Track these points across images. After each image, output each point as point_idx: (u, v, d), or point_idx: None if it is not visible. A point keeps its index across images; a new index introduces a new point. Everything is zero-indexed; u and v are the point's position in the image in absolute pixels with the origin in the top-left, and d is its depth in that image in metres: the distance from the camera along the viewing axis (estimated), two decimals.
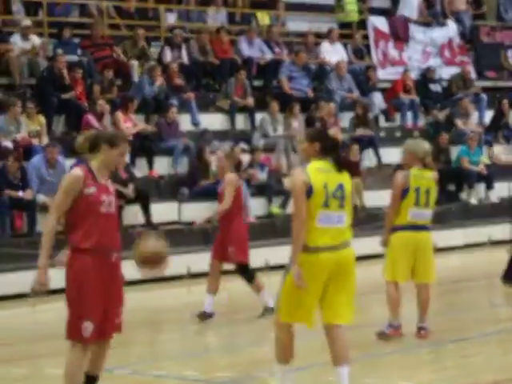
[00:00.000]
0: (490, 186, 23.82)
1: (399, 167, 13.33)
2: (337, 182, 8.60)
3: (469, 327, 13.44)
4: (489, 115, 26.38)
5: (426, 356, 11.25)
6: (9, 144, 19.03)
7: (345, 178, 8.69)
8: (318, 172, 8.56)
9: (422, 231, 12.17)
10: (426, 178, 12.22)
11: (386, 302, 12.06)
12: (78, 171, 8.34)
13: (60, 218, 8.34)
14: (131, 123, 20.88)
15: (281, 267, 17.75)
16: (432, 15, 29.09)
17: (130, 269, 8.69)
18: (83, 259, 8.31)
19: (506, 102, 26.28)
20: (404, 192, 12.04)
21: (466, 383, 9.68)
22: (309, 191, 8.48)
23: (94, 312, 8.34)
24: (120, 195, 18.95)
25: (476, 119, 25.89)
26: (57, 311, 16.44)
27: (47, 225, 8.35)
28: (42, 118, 19.99)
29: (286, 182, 20.01)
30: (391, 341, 11.65)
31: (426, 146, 12.50)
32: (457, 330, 12.98)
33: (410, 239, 11.99)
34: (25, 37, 21.77)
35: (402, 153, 12.69)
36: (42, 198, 18.39)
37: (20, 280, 17.22)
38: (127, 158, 19.91)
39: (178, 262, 18.55)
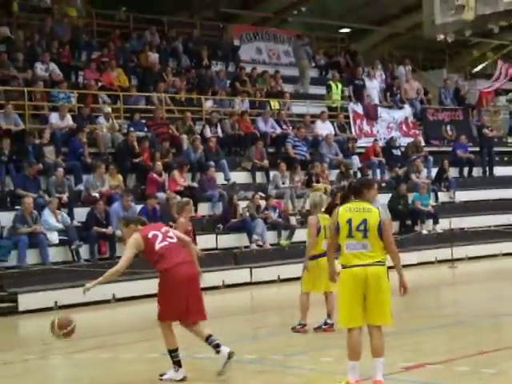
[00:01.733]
0: (435, 221, 23.77)
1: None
2: (361, 218, 8.29)
3: (421, 322, 13.37)
4: (434, 171, 26.30)
5: (390, 343, 11.18)
6: (96, 194, 19.08)
7: (370, 215, 8.31)
8: (345, 211, 8.36)
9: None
10: (326, 218, 12.21)
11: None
12: None
13: None
14: (183, 179, 20.92)
15: (288, 280, 17.75)
16: (393, 101, 29.11)
17: None
18: None
19: (446, 161, 26.20)
20: (319, 230, 12.10)
21: (420, 362, 9.60)
22: (337, 227, 8.36)
23: None
24: None
25: (425, 174, 25.82)
26: (131, 313, 16.50)
27: None
28: (119, 176, 20.04)
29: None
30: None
31: (319, 197, 12.68)
32: (413, 324, 12.92)
33: (323, 262, 11.60)
34: (107, 119, 21.89)
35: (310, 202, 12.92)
36: (119, 232, 18.38)
37: (103, 290, 17.18)
38: None
39: (215, 277, 18.58)
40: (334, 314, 12.19)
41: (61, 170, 19.08)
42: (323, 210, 12.41)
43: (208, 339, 9.46)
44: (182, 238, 9.76)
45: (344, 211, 8.38)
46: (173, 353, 9.48)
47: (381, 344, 8.32)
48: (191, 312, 9.43)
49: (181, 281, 9.33)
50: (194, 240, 14.36)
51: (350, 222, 8.29)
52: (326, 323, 12.31)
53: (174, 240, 9.53)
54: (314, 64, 30.22)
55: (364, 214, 8.32)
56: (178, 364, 9.47)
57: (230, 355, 9.33)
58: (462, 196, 25.98)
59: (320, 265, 12.01)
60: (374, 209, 8.42)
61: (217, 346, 9.40)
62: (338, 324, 8.57)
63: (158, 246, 9.43)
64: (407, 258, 21.21)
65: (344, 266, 8.36)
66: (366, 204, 8.43)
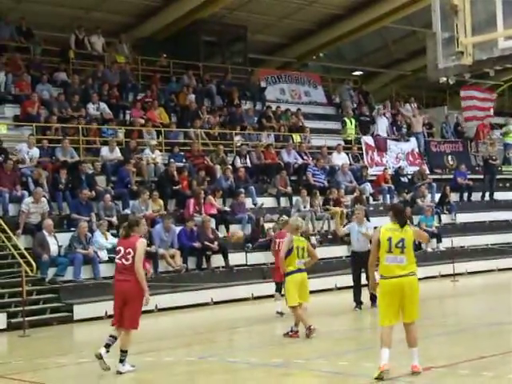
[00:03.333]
0: (439, 240, 23.60)
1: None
2: (400, 237, 8.96)
3: (428, 330, 13.23)
4: (437, 196, 26.17)
5: (400, 349, 11.08)
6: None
7: (406, 234, 9.00)
8: (386, 230, 9.06)
9: (304, 272, 12.53)
10: (301, 241, 12.55)
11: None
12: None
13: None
14: (216, 203, 20.97)
15: (311, 292, 17.49)
16: (400, 134, 29.06)
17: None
18: None
19: (448, 187, 26.10)
20: (291, 250, 12.42)
21: (427, 366, 9.51)
22: (379, 243, 9.01)
23: None
24: (209, 248, 19.05)
25: (429, 198, 25.70)
26: (171, 322, 16.50)
27: None
28: (161, 201, 20.06)
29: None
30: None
31: (300, 222, 13.11)
32: (420, 331, 12.78)
33: (298, 277, 12.37)
34: (151, 151, 21.99)
35: (288, 226, 13.16)
36: (161, 250, 18.44)
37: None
38: (213, 225, 20.01)
39: (245, 290, 18.61)
40: (299, 324, 12.51)
41: (109, 196, 19.18)
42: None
43: (111, 338, 10.25)
44: (137, 262, 10.15)
45: (385, 231, 9.06)
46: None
47: (415, 337, 9.10)
48: (124, 320, 10.16)
49: (116, 294, 10.29)
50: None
51: (390, 239, 8.95)
52: (291, 330, 12.61)
53: (128, 262, 10.13)
54: (355, 105, 30.30)
55: (401, 233, 9.01)
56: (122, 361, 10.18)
57: (96, 355, 10.14)
58: (462, 218, 25.82)
59: (294, 280, 12.38)
60: (409, 229, 9.15)
61: (106, 346, 10.19)
62: (378, 322, 9.19)
63: (115, 260, 10.47)
64: None
65: (384, 277, 9.00)
66: (405, 227, 9.08)
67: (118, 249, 10.34)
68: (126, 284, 10.06)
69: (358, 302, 16.00)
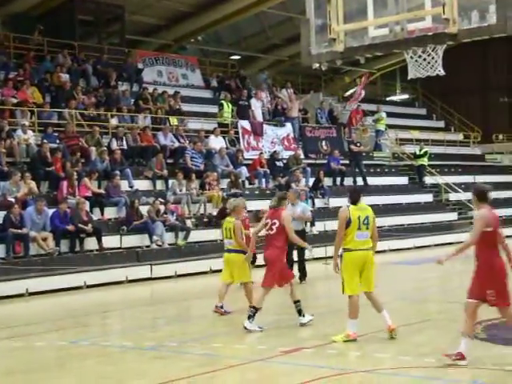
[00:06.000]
0: (312, 224, 23.79)
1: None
2: (365, 215, 10.04)
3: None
4: (311, 181, 26.61)
5: (270, 331, 11.15)
6: (12, 199, 18.61)
7: (369, 213, 10.11)
8: (355, 210, 10.03)
9: (231, 252, 12.67)
10: (229, 222, 12.73)
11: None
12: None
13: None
14: (91, 186, 20.63)
15: (184, 275, 17.56)
16: (277, 120, 29.37)
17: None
18: None
19: (321, 172, 26.58)
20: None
21: (297, 347, 9.66)
22: (348, 221, 9.90)
23: None
24: (83, 231, 18.74)
25: (304, 183, 26.06)
26: (43, 306, 16.13)
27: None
28: (33, 183, 19.53)
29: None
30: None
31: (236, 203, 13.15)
32: (292, 313, 12.99)
33: (225, 257, 12.77)
34: (23, 132, 21.38)
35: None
36: (33, 233, 17.99)
37: (17, 285, 16.79)
38: (87, 207, 19.71)
39: (119, 273, 18.49)
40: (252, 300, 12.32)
41: None
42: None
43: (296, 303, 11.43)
44: (289, 231, 11.22)
45: (354, 210, 10.01)
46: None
47: (380, 302, 10.22)
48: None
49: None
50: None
51: (359, 218, 9.95)
52: (221, 307, 12.74)
53: (272, 232, 11.20)
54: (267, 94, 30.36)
55: (366, 212, 10.11)
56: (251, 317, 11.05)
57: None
58: (334, 202, 26.25)
59: (225, 259, 12.69)
60: (369, 208, 10.22)
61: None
62: (345, 292, 10.13)
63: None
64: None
65: (350, 250, 9.95)
66: (364, 205, 10.22)
67: (266, 222, 11.17)
68: (267, 252, 11.18)
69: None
